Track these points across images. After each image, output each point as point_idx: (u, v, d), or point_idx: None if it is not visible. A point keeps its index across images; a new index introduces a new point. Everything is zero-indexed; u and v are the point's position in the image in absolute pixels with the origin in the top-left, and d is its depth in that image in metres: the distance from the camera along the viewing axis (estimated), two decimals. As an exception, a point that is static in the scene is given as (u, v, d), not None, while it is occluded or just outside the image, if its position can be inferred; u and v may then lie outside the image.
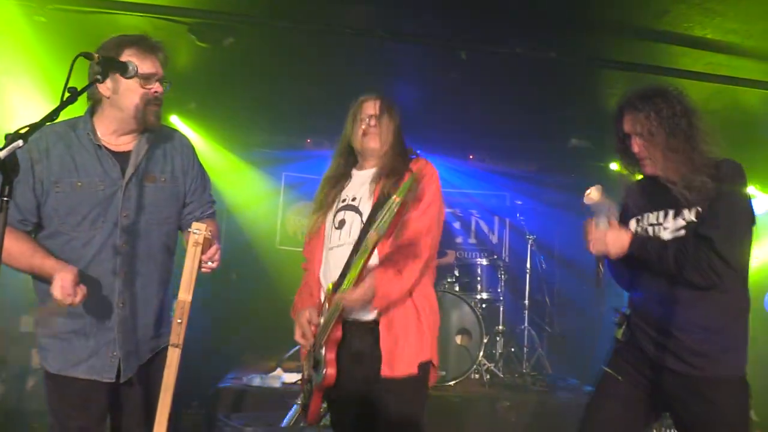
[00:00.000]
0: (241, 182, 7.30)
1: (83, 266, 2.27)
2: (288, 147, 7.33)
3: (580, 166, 7.55)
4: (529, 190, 7.89)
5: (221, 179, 6.79)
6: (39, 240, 2.33)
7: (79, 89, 1.86)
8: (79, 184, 2.30)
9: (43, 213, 2.30)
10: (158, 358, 2.42)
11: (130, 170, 2.36)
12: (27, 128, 1.68)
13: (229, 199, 7.02)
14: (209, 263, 2.29)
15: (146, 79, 2.30)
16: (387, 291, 2.40)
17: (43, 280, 2.23)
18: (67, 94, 1.82)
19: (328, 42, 4.67)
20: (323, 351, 2.47)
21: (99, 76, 1.99)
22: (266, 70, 5.44)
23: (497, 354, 6.13)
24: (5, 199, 1.59)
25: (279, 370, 5.34)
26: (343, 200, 2.65)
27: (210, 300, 6.36)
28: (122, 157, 2.38)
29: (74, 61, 1.88)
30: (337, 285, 2.46)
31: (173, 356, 2.16)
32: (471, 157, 7.71)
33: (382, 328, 2.47)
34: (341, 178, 2.72)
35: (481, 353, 5.68)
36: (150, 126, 2.38)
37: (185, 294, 2.15)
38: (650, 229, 2.44)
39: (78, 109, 2.12)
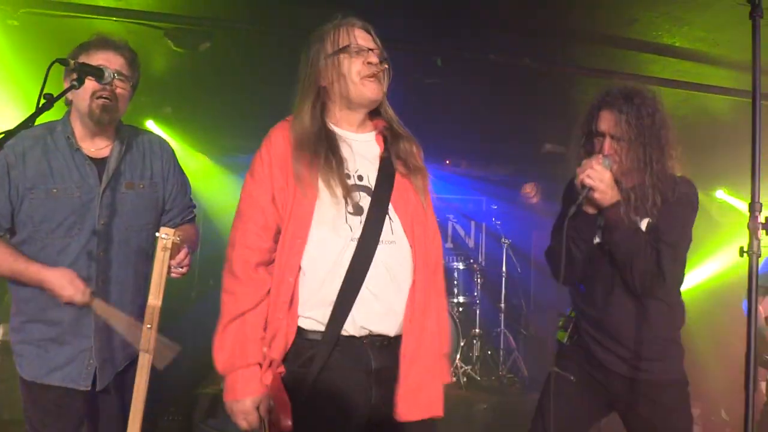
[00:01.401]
0: (218, 187, 7.27)
1: None
2: (265, 151, 7.31)
3: (554, 170, 7.65)
4: (504, 194, 7.98)
5: (197, 184, 6.76)
6: (14, 242, 2.30)
7: (55, 95, 1.85)
8: (55, 190, 2.26)
9: (17, 219, 2.27)
10: (134, 366, 2.35)
11: (106, 176, 2.34)
12: (2, 135, 1.68)
13: (205, 204, 6.99)
14: (179, 268, 2.28)
15: (95, 72, 2.14)
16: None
17: (22, 285, 2.22)
18: (42, 101, 1.81)
19: (304, 46, 4.68)
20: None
21: (75, 83, 1.98)
22: (242, 75, 5.43)
23: (474, 357, 6.19)
24: (-19, 205, 1.58)
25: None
26: (352, 178, 1.90)
27: (186, 306, 6.33)
28: (100, 163, 2.35)
29: (50, 67, 1.88)
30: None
31: (144, 361, 2.15)
32: (447, 162, 7.77)
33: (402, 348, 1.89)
34: (329, 137, 1.91)
35: (458, 356, 5.73)
36: (99, 121, 2.28)
37: (154, 299, 2.14)
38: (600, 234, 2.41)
39: (53, 115, 2.12)
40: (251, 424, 1.83)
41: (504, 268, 6.67)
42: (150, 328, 2.13)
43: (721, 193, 7.17)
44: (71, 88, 1.99)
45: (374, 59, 1.90)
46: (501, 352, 6.34)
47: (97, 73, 2.07)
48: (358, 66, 1.90)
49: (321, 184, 1.84)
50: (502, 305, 6.56)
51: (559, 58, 4.79)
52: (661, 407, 2.35)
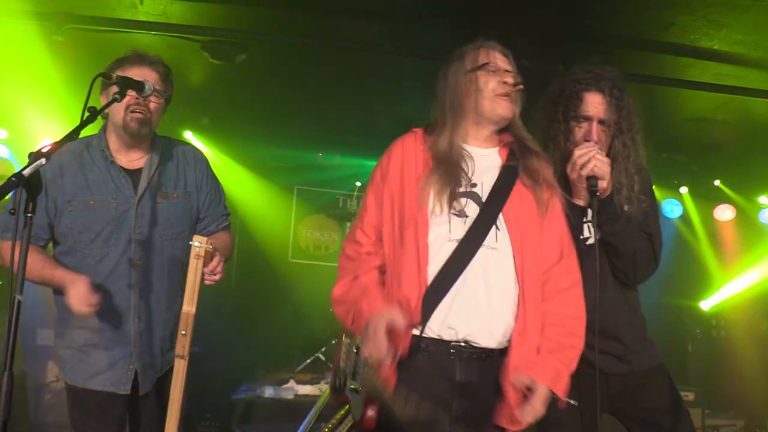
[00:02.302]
0: (254, 196, 7.37)
1: (99, 281, 2.31)
2: (300, 160, 7.40)
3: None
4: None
5: (234, 193, 6.87)
6: (56, 256, 2.40)
7: (98, 108, 1.92)
8: (92, 202, 2.35)
9: (57, 231, 2.37)
10: (171, 374, 2.44)
11: (141, 187, 2.41)
12: (49, 147, 1.74)
13: (241, 213, 7.09)
14: (212, 276, 2.32)
15: (125, 85, 2.17)
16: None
17: (60, 292, 2.29)
18: (86, 114, 1.88)
19: (338, 57, 4.74)
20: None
21: (117, 96, 2.05)
22: (277, 85, 5.52)
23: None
24: (29, 215, 1.64)
25: (292, 382, 5.37)
26: (465, 185, 1.95)
27: (223, 313, 6.42)
28: (134, 174, 2.43)
29: (93, 81, 1.95)
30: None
31: (179, 367, 2.21)
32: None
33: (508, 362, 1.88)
34: (460, 155, 1.97)
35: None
36: (133, 134, 2.36)
37: (189, 306, 2.19)
38: (585, 227, 2.25)
39: (93, 128, 2.19)
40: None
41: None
42: (185, 334, 2.18)
43: (764, 199, 7.00)
44: (113, 101, 2.05)
45: (510, 79, 1.98)
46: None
47: (138, 86, 2.14)
48: (493, 84, 1.97)
49: (433, 193, 1.92)
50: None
51: (594, 62, 4.74)
52: (659, 392, 2.32)
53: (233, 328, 6.47)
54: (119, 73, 2.27)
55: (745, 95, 4.81)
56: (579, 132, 2.21)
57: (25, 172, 1.64)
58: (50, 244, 2.46)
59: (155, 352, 2.45)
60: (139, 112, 2.34)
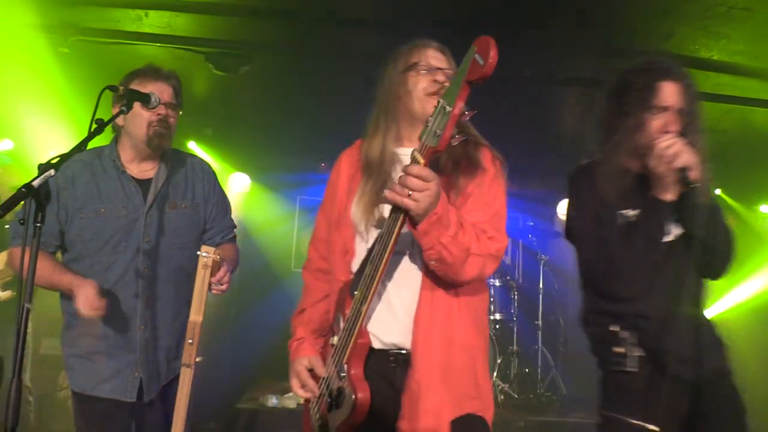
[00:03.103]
0: (257, 206, 7.41)
1: (107, 288, 2.35)
2: (303, 171, 7.44)
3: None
4: (541, 210, 7.93)
5: (237, 203, 6.91)
6: (66, 260, 2.43)
7: (105, 120, 1.96)
8: (103, 210, 2.40)
9: (67, 238, 2.41)
10: (176, 383, 2.42)
11: (151, 197, 2.46)
12: (57, 158, 1.78)
13: (245, 223, 7.12)
14: (219, 286, 2.35)
15: (150, 100, 2.27)
16: (448, 222, 1.67)
17: (68, 297, 2.32)
18: (94, 126, 1.92)
19: (340, 68, 4.79)
20: (345, 370, 1.82)
21: (124, 108, 2.09)
22: (280, 96, 5.57)
23: (511, 375, 6.14)
24: (38, 225, 1.68)
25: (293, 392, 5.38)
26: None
27: (226, 322, 6.44)
28: (144, 184, 2.48)
29: (101, 93, 1.99)
30: (352, 288, 1.85)
31: (185, 376, 2.23)
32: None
33: (413, 365, 1.81)
34: (389, 161, 1.93)
35: (495, 374, 5.70)
36: (156, 148, 2.44)
37: (196, 315, 2.22)
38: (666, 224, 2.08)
39: (103, 139, 2.23)
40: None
41: (541, 285, 6.63)
42: (191, 343, 2.21)
43: (765, 208, 7.01)
44: (120, 113, 2.09)
45: (441, 77, 1.92)
46: (539, 370, 6.28)
47: (145, 98, 2.18)
48: (424, 83, 1.93)
49: (358, 203, 1.92)
50: (540, 322, 6.50)
51: (594, 73, 4.78)
52: (735, 396, 2.07)
53: (236, 336, 6.49)
54: (135, 86, 2.34)
55: (746, 105, 4.85)
56: (655, 123, 2.05)
57: (35, 183, 1.68)
58: (58, 252, 2.50)
59: (160, 360, 2.47)
60: (162, 128, 2.42)
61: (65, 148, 1.88)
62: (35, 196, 1.68)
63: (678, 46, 4.20)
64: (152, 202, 2.46)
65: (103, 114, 2.02)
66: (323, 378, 1.91)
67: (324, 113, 5.77)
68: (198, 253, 2.24)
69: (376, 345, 1.87)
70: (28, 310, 1.68)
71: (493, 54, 1.47)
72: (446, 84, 1.87)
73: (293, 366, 1.98)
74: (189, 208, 2.57)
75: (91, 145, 1.95)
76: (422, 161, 1.57)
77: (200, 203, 2.61)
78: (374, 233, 1.87)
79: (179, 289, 2.51)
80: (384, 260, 1.71)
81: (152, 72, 2.44)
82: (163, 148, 2.47)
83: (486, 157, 1.94)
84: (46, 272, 2.30)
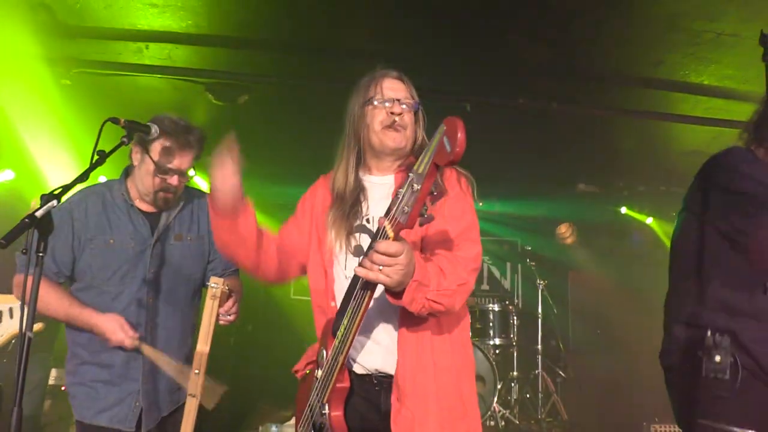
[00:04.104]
0: (256, 233, 7.44)
1: None
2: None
3: (588, 210, 7.65)
4: (539, 235, 7.97)
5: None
6: (73, 290, 2.49)
7: (107, 151, 2.01)
8: (112, 241, 2.47)
9: (77, 267, 2.47)
10: (178, 412, 2.48)
11: (159, 229, 2.54)
12: (60, 189, 1.83)
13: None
14: (227, 316, 2.40)
15: (164, 172, 2.45)
16: (428, 280, 1.68)
17: (78, 330, 2.39)
18: (96, 157, 1.96)
19: (338, 97, 4.84)
20: (326, 410, 1.87)
21: (125, 139, 2.15)
22: (279, 125, 5.64)
23: (512, 400, 6.12)
24: (40, 254, 1.71)
25: (294, 420, 5.36)
26: (360, 220, 1.99)
27: (225, 351, 6.43)
28: (152, 217, 2.55)
29: (102, 125, 2.04)
30: (334, 328, 1.86)
31: (191, 406, 2.25)
32: (480, 204, 7.81)
33: (396, 390, 1.85)
34: (356, 190, 2.01)
35: (496, 400, 5.68)
36: (160, 207, 2.54)
37: (203, 345, 2.25)
38: None
39: (106, 169, 2.28)
40: None
41: (540, 310, 6.64)
42: (198, 373, 2.23)
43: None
44: (121, 144, 2.15)
45: (397, 109, 1.96)
46: (539, 395, 6.26)
47: (145, 129, 2.27)
48: (381, 116, 1.97)
49: (333, 232, 1.97)
50: (539, 347, 6.50)
51: (586, 100, 4.86)
52: None
53: (237, 364, 6.47)
54: (157, 144, 2.42)
55: (737, 128, 4.88)
56: None
57: (38, 214, 1.72)
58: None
59: (161, 390, 2.50)
60: (169, 194, 2.51)
61: (67, 179, 1.92)
62: (38, 226, 1.72)
63: (668, 72, 4.28)
64: (159, 235, 2.53)
65: (105, 145, 2.08)
66: (308, 404, 1.95)
67: (323, 142, 5.82)
68: (207, 284, 2.29)
69: (359, 371, 1.92)
70: (30, 339, 1.71)
71: (461, 138, 1.44)
72: (402, 114, 1.95)
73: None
74: (194, 240, 2.64)
75: (93, 175, 2.00)
76: (391, 235, 1.57)
77: (205, 235, 2.66)
78: (351, 259, 1.93)
79: (183, 320, 2.60)
80: (355, 327, 1.74)
81: (182, 141, 2.48)
82: (168, 207, 2.55)
83: (450, 177, 1.96)
84: (63, 305, 2.39)
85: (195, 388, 2.25)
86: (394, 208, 1.55)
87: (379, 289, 1.75)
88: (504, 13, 3.74)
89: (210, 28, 4.03)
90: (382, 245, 1.57)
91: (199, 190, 2.80)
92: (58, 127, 4.87)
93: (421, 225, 1.58)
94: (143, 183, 2.48)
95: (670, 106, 4.86)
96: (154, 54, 4.35)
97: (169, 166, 2.45)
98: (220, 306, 2.30)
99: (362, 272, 1.62)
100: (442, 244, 1.87)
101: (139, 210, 2.54)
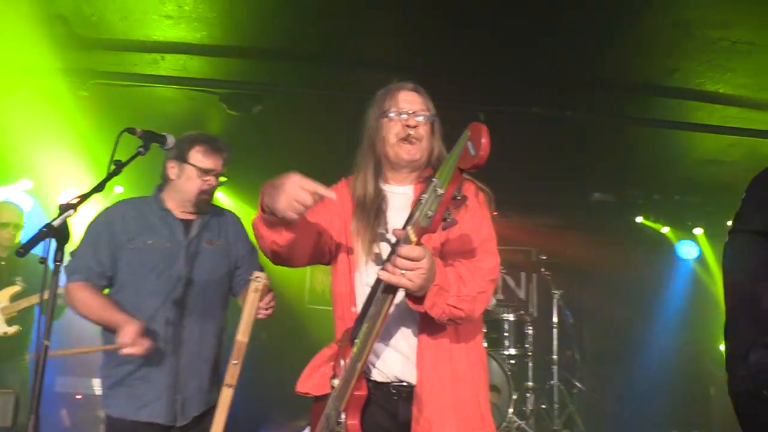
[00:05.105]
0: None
1: (149, 314, 2.53)
2: (316, 207, 7.50)
3: (603, 219, 7.61)
4: (554, 244, 7.93)
5: (252, 239, 6.95)
6: (112, 291, 2.63)
7: (123, 161, 2.03)
8: (150, 242, 2.63)
9: (117, 267, 2.62)
10: (210, 414, 2.53)
11: (192, 233, 2.70)
12: (78, 199, 1.85)
13: (259, 259, 7.17)
14: (265, 310, 2.49)
15: (205, 172, 2.66)
16: (448, 286, 1.70)
17: (111, 331, 2.48)
18: (112, 167, 1.99)
19: (352, 107, 4.86)
20: (342, 418, 1.85)
21: (141, 149, 2.17)
22: (292, 135, 5.66)
23: (528, 411, 6.07)
24: (57, 263, 1.73)
25: (308, 430, 5.35)
26: (382, 226, 1.99)
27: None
28: (186, 223, 2.73)
29: (119, 136, 2.06)
30: (353, 335, 1.85)
31: (226, 396, 2.30)
32: (495, 213, 7.78)
33: (417, 401, 1.84)
34: (377, 199, 2.02)
35: (511, 410, 5.64)
36: (201, 208, 2.73)
37: (243, 336, 2.29)
38: None
39: (121, 179, 2.30)
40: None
41: (555, 319, 6.58)
42: (236, 363, 2.29)
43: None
44: (138, 154, 2.18)
45: (412, 122, 1.96)
46: (555, 406, 6.20)
47: (161, 140, 2.30)
48: (396, 129, 1.97)
49: (359, 239, 1.97)
50: (555, 357, 6.44)
51: (601, 108, 4.84)
52: None
53: (251, 373, 6.46)
54: (195, 152, 2.65)
55: (752, 137, 4.87)
56: None
57: (55, 223, 1.73)
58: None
59: (196, 386, 2.63)
60: (209, 194, 2.73)
61: (84, 188, 1.95)
62: (55, 235, 1.74)
63: (683, 80, 4.26)
64: (193, 238, 2.69)
65: (121, 155, 2.10)
66: (325, 414, 1.93)
67: (335, 151, 5.84)
68: (250, 277, 2.34)
69: (378, 378, 1.90)
70: (47, 347, 1.73)
71: (485, 143, 1.43)
72: (418, 127, 1.96)
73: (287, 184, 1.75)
74: (223, 245, 2.80)
75: (109, 184, 2.02)
76: (414, 240, 1.58)
77: (232, 242, 2.84)
78: (372, 267, 1.93)
79: (214, 320, 2.74)
80: (375, 333, 1.73)
81: (214, 146, 2.72)
82: (207, 208, 2.78)
83: (468, 190, 1.96)
84: (98, 308, 2.52)
85: (232, 378, 2.29)
86: (417, 213, 1.55)
87: (399, 296, 1.74)
88: (518, 22, 3.74)
89: (224, 38, 4.08)
90: (405, 249, 1.58)
91: (224, 208, 2.98)
92: (75, 137, 4.93)
93: (444, 229, 1.58)
94: (186, 189, 2.67)
95: (685, 115, 4.83)
96: (169, 65, 4.40)
97: (208, 167, 2.66)
98: (260, 300, 2.34)
99: (385, 276, 1.63)
100: (461, 254, 1.87)
101: (174, 216, 2.71)
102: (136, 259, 2.60)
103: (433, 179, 1.52)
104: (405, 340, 1.90)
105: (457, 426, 1.83)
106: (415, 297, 1.69)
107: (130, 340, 2.35)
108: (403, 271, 1.60)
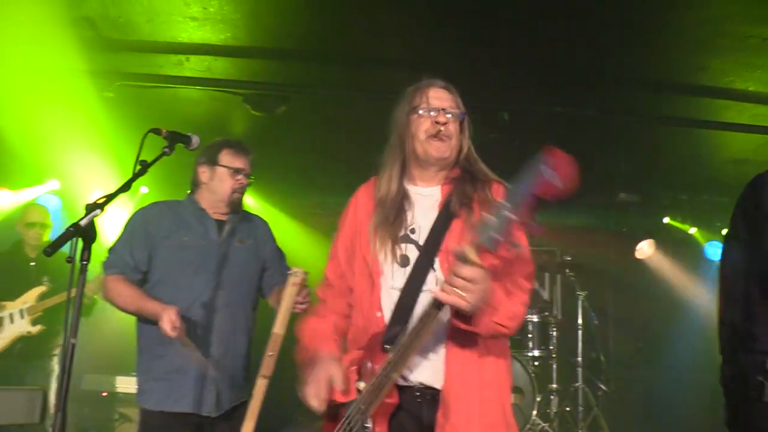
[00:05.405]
0: (293, 242, 7.49)
1: (186, 307, 2.63)
2: (338, 207, 7.48)
3: (628, 219, 7.51)
4: (579, 245, 7.85)
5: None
6: (148, 287, 2.75)
7: (148, 161, 2.04)
8: (186, 238, 2.77)
9: (153, 263, 2.76)
10: (240, 410, 2.66)
11: (225, 231, 2.86)
12: (103, 198, 1.86)
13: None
14: (301, 305, 2.53)
15: (236, 171, 2.85)
16: (497, 304, 1.71)
17: (148, 322, 2.63)
18: (138, 167, 2.00)
19: (376, 107, 4.85)
20: (369, 424, 1.81)
21: (167, 149, 2.18)
22: (316, 135, 5.68)
23: (552, 413, 6.00)
24: (84, 263, 1.74)
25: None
26: (404, 230, 1.95)
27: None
28: (219, 222, 2.88)
29: (145, 136, 2.07)
30: (384, 341, 1.84)
31: (261, 386, 2.39)
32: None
33: (443, 406, 1.81)
34: (398, 198, 1.99)
35: (535, 412, 5.59)
36: (234, 207, 2.89)
37: (279, 329, 2.37)
38: None
39: (146, 180, 2.32)
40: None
41: (580, 321, 6.50)
42: (272, 355, 2.37)
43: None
44: (163, 155, 2.18)
45: (442, 118, 1.94)
46: (579, 409, 6.13)
47: (186, 140, 2.31)
48: (426, 126, 1.95)
49: (378, 242, 1.94)
50: (579, 359, 6.37)
51: (627, 107, 4.78)
52: None
53: (273, 374, 6.50)
54: (225, 155, 2.86)
55: (785, 135, 4.78)
56: None
57: (82, 223, 1.75)
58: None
59: (230, 379, 2.74)
60: (241, 193, 2.91)
61: (110, 189, 1.96)
62: (82, 235, 1.75)
63: (713, 78, 4.18)
64: (226, 236, 2.85)
65: (146, 155, 2.11)
66: (346, 417, 1.88)
67: (359, 151, 5.84)
68: (289, 271, 2.44)
69: (402, 383, 1.85)
70: (74, 346, 1.74)
71: (572, 174, 1.42)
72: (448, 124, 1.95)
73: (315, 371, 1.90)
74: (253, 245, 2.95)
75: (135, 185, 2.04)
76: (474, 260, 1.56)
77: (260, 244, 3.00)
78: (397, 269, 1.91)
79: (246, 316, 2.88)
80: (417, 347, 1.73)
81: (241, 148, 2.95)
82: (239, 208, 2.94)
83: (498, 192, 1.93)
84: (135, 298, 2.66)
85: (267, 370, 2.37)
86: (482, 234, 1.52)
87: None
88: (543, 21, 3.70)
89: (248, 39, 4.09)
90: (466, 270, 1.56)
91: (249, 211, 3.13)
92: (101, 138, 4.98)
93: (508, 252, 1.58)
94: (220, 190, 2.84)
95: (714, 113, 4.75)
96: (194, 66, 4.43)
97: (238, 166, 2.85)
98: (297, 294, 2.40)
99: (443, 296, 1.60)
100: (503, 266, 1.82)
101: (209, 215, 2.86)
102: (172, 255, 2.74)
103: (501, 201, 1.50)
104: (434, 347, 1.86)
105: (483, 430, 1.80)
106: (464, 315, 1.67)
107: (171, 323, 2.46)
108: (460, 291, 1.58)
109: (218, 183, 2.85)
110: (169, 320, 2.47)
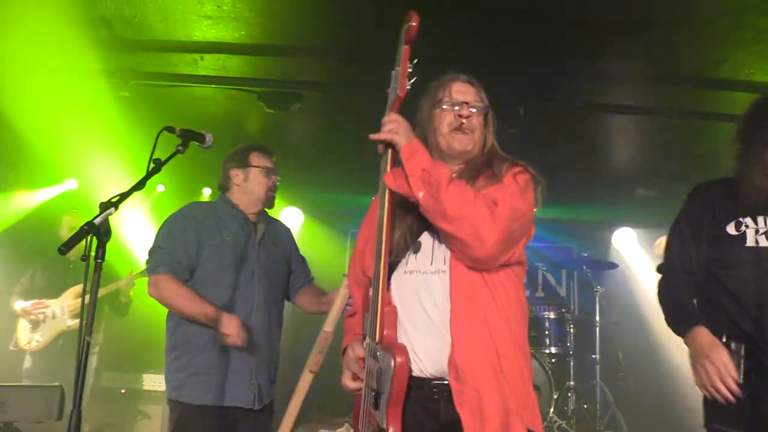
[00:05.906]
0: (309, 240, 7.50)
1: (227, 302, 2.77)
2: (353, 205, 7.51)
3: (646, 215, 7.43)
4: (595, 241, 7.78)
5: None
6: (193, 282, 2.82)
7: (162, 160, 2.04)
8: (228, 238, 2.89)
9: (199, 260, 2.84)
10: (268, 409, 2.89)
11: (260, 232, 3.01)
12: (117, 197, 1.86)
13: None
14: (348, 306, 2.59)
15: (268, 171, 3.02)
16: (427, 158, 1.83)
17: (191, 323, 2.73)
18: (152, 165, 2.00)
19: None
20: (379, 340, 1.84)
21: (180, 147, 2.18)
22: (331, 132, 5.67)
23: (569, 411, 5.96)
24: (99, 261, 1.74)
25: (347, 426, 5.36)
26: (419, 222, 1.95)
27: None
28: (253, 225, 3.02)
29: (159, 134, 2.07)
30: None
31: (306, 380, 2.59)
32: (534, 209, 7.67)
33: (453, 371, 1.77)
34: None
35: (552, 410, 5.55)
36: (268, 205, 3.07)
37: (329, 327, 2.59)
38: (761, 237, 2.16)
39: (161, 178, 2.32)
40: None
41: (597, 318, 6.45)
42: (321, 352, 2.54)
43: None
44: (176, 153, 2.19)
45: (465, 112, 1.96)
46: (597, 406, 6.08)
47: (200, 138, 2.31)
48: (449, 119, 1.97)
49: (396, 231, 1.95)
50: (597, 356, 6.32)
51: (644, 101, 4.72)
52: None
53: (290, 370, 6.51)
54: (255, 156, 3.02)
55: (806, 129, 4.67)
56: None
57: (96, 221, 1.75)
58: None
59: (267, 374, 2.87)
60: (274, 192, 3.09)
61: (125, 187, 1.96)
62: (96, 233, 1.76)
63: (732, 71, 4.11)
64: (261, 237, 3.00)
65: (160, 153, 2.11)
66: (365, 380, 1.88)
67: (374, 148, 5.83)
68: (344, 274, 2.70)
69: (416, 372, 1.82)
70: (89, 343, 1.75)
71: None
72: (471, 117, 1.97)
73: (347, 355, 1.99)
74: (281, 247, 3.13)
75: (149, 183, 2.04)
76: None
77: (286, 247, 3.19)
78: (412, 259, 1.92)
79: (278, 315, 3.03)
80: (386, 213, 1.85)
81: (268, 150, 3.12)
82: (272, 205, 3.10)
83: (510, 171, 1.94)
84: (193, 300, 2.72)
85: (315, 366, 2.61)
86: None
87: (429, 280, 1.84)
88: (561, 16, 3.65)
89: (262, 37, 4.09)
90: (385, 118, 1.88)
91: (272, 217, 3.26)
92: (117, 137, 5.02)
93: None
94: (255, 190, 3.00)
95: (734, 107, 4.64)
96: (208, 65, 4.44)
97: (270, 165, 3.04)
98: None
99: (375, 135, 1.91)
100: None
101: (245, 216, 2.99)
102: (215, 254, 2.84)
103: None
104: (441, 320, 1.83)
105: (504, 399, 1.76)
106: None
107: (237, 331, 2.59)
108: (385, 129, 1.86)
109: (253, 183, 3.00)
110: (236, 330, 2.60)
